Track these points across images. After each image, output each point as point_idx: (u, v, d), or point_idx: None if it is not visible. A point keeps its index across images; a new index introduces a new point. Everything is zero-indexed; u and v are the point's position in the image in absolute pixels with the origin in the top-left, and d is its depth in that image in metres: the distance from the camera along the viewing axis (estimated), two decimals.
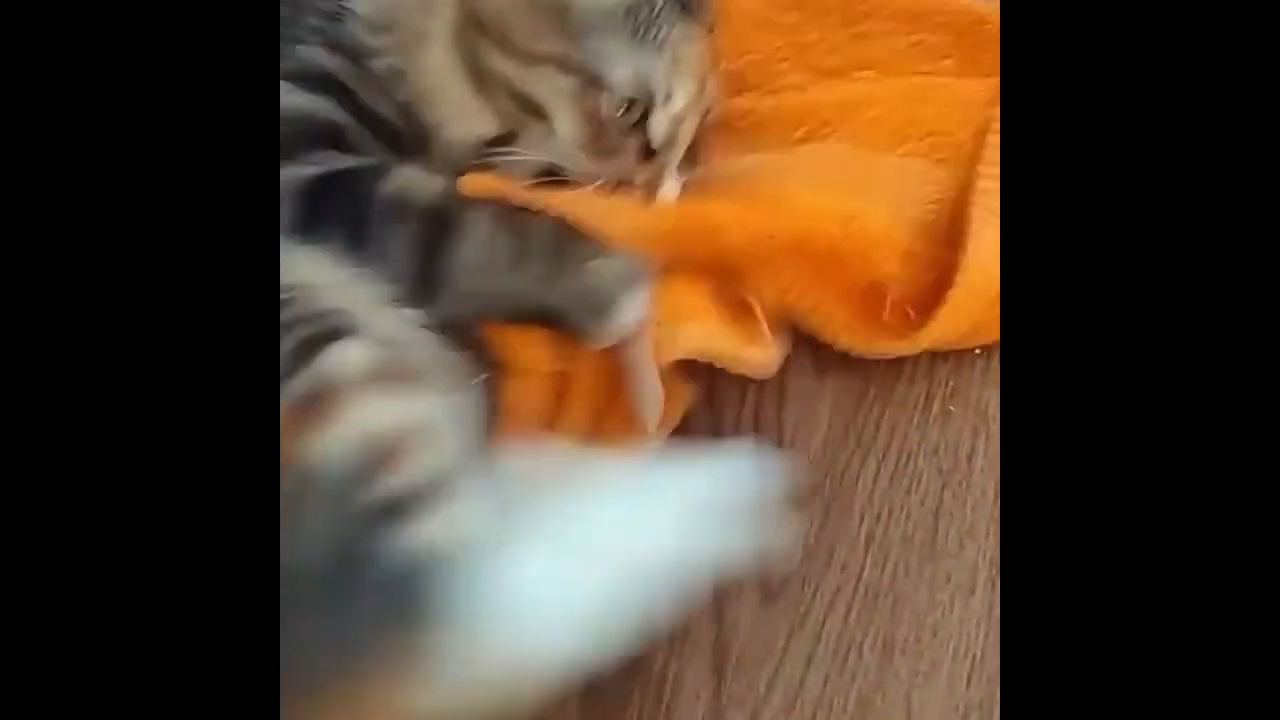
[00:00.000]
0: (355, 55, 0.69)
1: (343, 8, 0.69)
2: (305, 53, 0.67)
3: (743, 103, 0.76)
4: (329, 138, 0.66)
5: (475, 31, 0.68)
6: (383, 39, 0.69)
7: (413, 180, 0.64)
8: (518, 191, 0.65)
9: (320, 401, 0.52)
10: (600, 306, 0.63)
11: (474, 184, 0.65)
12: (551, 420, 0.65)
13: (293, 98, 0.65)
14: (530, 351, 0.65)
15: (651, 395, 0.63)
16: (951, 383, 0.69)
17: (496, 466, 0.56)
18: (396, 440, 0.52)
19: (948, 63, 0.78)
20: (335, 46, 0.68)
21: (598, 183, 0.68)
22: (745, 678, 0.60)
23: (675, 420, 0.66)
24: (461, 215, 0.64)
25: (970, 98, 0.75)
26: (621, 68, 0.68)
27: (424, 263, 0.63)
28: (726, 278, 0.68)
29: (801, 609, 0.62)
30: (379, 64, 0.69)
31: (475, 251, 0.63)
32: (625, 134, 0.69)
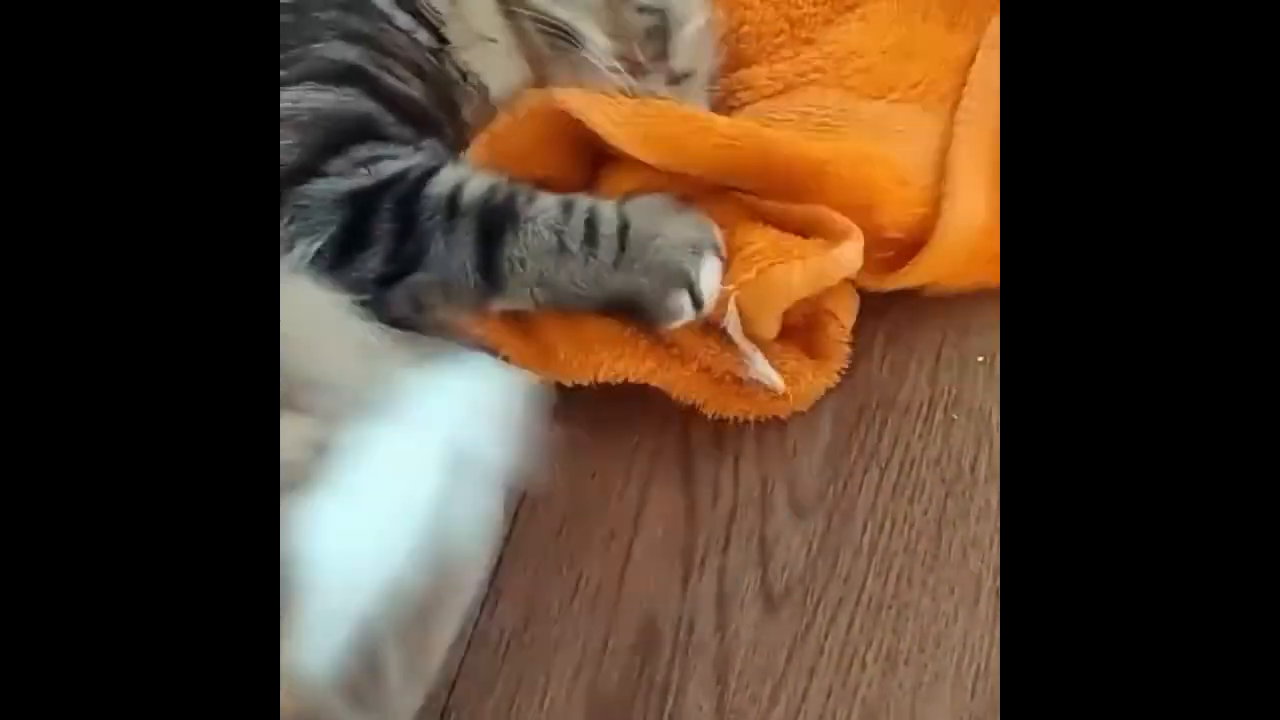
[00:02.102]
0: (378, 43, 0.69)
1: None
2: (322, 49, 0.67)
3: (741, 76, 0.77)
4: (362, 130, 0.66)
5: None
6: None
7: (463, 177, 0.65)
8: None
9: None
10: (673, 277, 0.64)
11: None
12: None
13: (317, 96, 0.65)
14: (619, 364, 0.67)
15: (759, 361, 0.65)
16: (954, 390, 0.68)
17: None
18: None
19: (935, 20, 0.78)
20: (354, 36, 0.68)
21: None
22: (748, 689, 0.60)
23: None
24: (520, 204, 0.65)
25: (957, 53, 0.75)
26: None
27: (484, 256, 0.63)
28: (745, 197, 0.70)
29: (804, 620, 0.61)
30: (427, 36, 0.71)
31: (540, 239, 0.64)
32: (652, 58, 0.71)
